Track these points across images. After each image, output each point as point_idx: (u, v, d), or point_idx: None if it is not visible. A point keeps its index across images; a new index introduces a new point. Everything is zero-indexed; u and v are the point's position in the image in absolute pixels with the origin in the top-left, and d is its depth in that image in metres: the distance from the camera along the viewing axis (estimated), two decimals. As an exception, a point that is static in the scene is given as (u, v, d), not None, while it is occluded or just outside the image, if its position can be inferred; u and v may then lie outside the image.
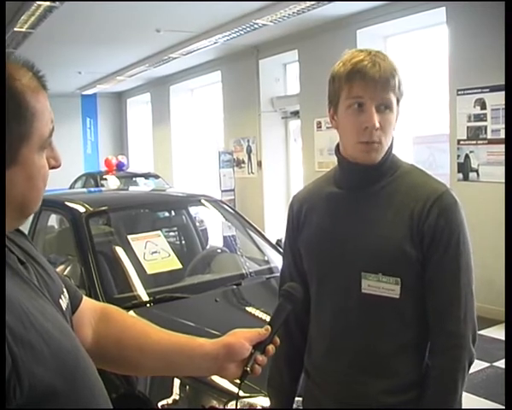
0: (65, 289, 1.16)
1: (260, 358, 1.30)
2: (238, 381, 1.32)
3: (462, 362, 1.49)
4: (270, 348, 1.32)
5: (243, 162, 9.66)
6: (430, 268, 1.51)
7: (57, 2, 6.00)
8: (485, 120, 5.72)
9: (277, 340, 1.34)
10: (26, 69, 0.99)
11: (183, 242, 4.54)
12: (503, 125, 5.46)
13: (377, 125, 1.50)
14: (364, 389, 1.54)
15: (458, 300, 1.49)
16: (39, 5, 6.09)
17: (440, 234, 1.49)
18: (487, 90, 5.64)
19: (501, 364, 4.46)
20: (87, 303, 1.32)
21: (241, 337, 1.30)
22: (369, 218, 1.56)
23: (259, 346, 1.31)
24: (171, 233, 4.58)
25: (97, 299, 2.99)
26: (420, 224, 1.50)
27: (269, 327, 1.32)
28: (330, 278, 1.60)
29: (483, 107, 5.73)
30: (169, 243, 3.79)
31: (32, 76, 0.99)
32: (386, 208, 1.55)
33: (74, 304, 1.23)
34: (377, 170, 1.58)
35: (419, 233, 1.50)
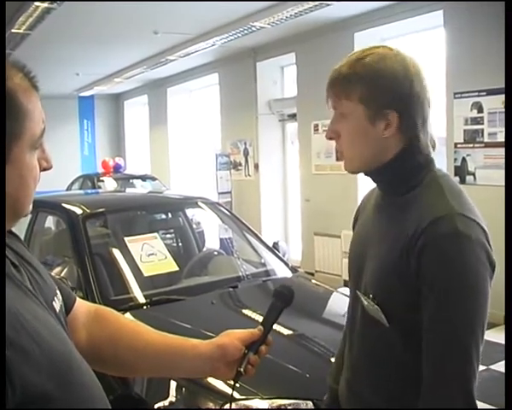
0: (58, 291, 1.16)
1: (253, 358, 1.30)
2: (232, 382, 1.31)
3: None
4: (264, 348, 1.32)
5: (240, 165, 9.66)
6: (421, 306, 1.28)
7: (55, 4, 5.99)
8: (482, 124, 5.73)
9: (270, 340, 1.33)
10: (16, 69, 0.99)
11: (180, 244, 4.54)
12: (500, 129, 5.47)
13: (328, 134, 1.42)
14: (365, 397, 1.45)
15: (434, 355, 1.24)
16: (37, 6, 6.08)
17: (424, 271, 1.24)
18: (484, 93, 5.65)
19: (497, 367, 4.46)
20: (80, 305, 1.32)
21: (234, 338, 1.30)
22: (378, 232, 1.41)
23: (252, 346, 1.30)
24: (168, 235, 4.58)
25: (94, 301, 2.99)
26: (408, 253, 1.27)
27: (261, 327, 1.32)
28: (350, 287, 1.55)
29: (480, 110, 5.74)
30: (166, 245, 3.79)
31: (23, 76, 0.99)
32: (393, 226, 1.36)
33: (68, 306, 1.23)
34: (380, 179, 1.44)
35: (406, 263, 1.28)
